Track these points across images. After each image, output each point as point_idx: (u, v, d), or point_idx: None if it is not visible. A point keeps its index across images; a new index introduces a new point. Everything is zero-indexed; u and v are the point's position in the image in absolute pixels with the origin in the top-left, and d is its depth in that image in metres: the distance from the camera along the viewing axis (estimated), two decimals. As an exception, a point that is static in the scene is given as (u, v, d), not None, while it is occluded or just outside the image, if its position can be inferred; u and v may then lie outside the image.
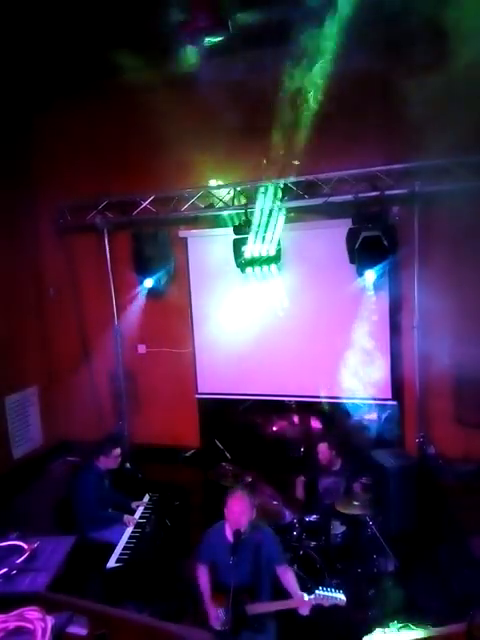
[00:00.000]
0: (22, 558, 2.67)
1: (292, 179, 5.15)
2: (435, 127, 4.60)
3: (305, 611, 3.46)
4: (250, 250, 5.16)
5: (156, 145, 5.59)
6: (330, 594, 3.53)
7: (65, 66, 5.01)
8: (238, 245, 5.18)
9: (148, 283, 5.70)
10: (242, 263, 5.22)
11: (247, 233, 5.11)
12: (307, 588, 3.68)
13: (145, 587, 4.33)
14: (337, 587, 3.65)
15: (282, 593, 3.64)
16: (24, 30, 4.20)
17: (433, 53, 4.62)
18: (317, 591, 3.49)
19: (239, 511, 3.55)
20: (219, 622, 3.49)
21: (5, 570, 2.54)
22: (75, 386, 6.47)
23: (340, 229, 5.03)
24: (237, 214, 5.40)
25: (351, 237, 4.87)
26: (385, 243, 4.74)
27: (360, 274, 5.03)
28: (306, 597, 3.47)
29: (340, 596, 3.49)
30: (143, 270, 5.64)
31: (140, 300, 6.03)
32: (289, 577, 3.67)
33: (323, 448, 5.21)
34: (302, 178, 5.13)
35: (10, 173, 5.86)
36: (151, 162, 5.67)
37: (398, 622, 3.04)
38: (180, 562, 4.73)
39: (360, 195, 4.93)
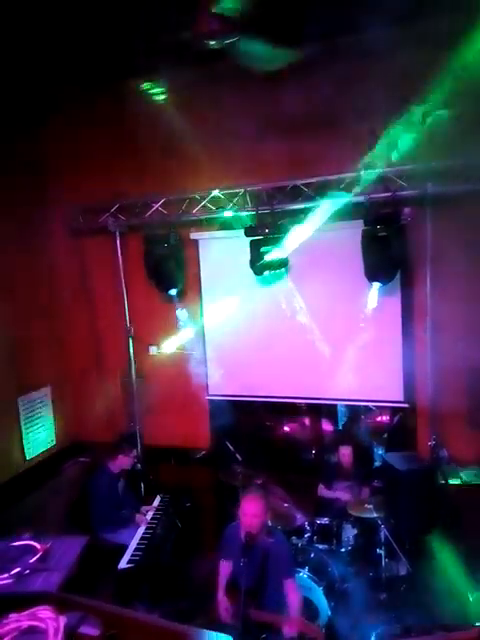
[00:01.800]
0: (35, 558, 2.70)
1: (303, 181, 5.14)
2: (449, 127, 4.59)
3: (291, 632, 3.43)
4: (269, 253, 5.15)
5: (168, 147, 5.62)
6: (314, 625, 3.56)
7: (77, 69, 5.05)
8: (256, 247, 5.13)
9: (167, 280, 5.67)
10: (260, 265, 5.19)
11: (259, 235, 5.11)
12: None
13: (156, 588, 4.34)
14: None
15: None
16: (37, 34, 4.24)
17: (446, 51, 4.61)
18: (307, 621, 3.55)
19: (252, 513, 3.53)
20: (228, 616, 3.53)
21: (18, 569, 2.56)
22: (87, 387, 6.53)
23: (351, 231, 5.01)
24: (249, 216, 5.40)
25: (363, 239, 4.84)
26: (397, 245, 4.71)
27: (372, 276, 4.99)
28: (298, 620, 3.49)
29: (320, 632, 3.54)
30: (155, 272, 5.65)
31: (152, 302, 6.06)
32: (293, 594, 3.63)
33: (347, 451, 5.18)
34: (313, 179, 5.12)
35: (24, 176, 5.93)
36: (163, 165, 5.70)
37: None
38: (191, 563, 4.74)
39: (372, 196, 4.90)
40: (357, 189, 4.99)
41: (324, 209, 5.19)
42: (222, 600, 3.63)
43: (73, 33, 4.28)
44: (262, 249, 5.10)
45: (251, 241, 5.11)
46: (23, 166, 5.93)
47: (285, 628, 3.42)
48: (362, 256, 4.90)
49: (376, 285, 5.04)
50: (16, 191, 5.79)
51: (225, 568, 3.78)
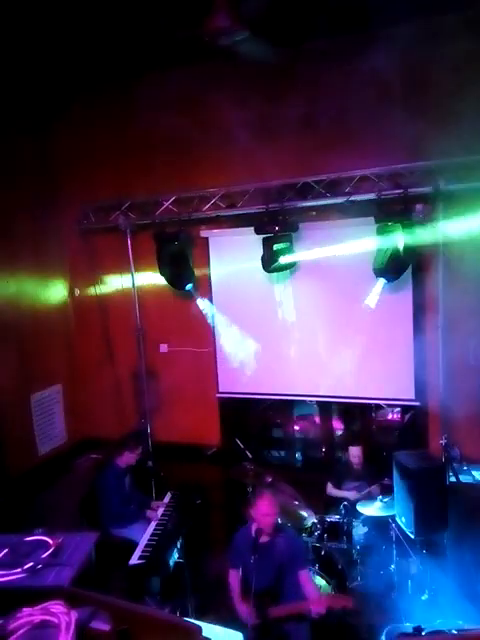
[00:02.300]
0: (47, 553, 2.72)
1: (314, 177, 5.12)
2: (460, 123, 4.54)
3: (319, 610, 3.44)
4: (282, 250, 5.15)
5: (178, 145, 5.63)
6: (341, 597, 3.56)
7: (87, 66, 5.07)
8: (269, 244, 5.12)
9: (177, 278, 5.70)
10: (272, 262, 5.18)
11: (270, 232, 5.10)
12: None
13: (166, 584, 4.36)
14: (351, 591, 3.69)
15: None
16: (46, 30, 4.25)
17: (460, 48, 4.57)
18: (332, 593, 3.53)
19: (265, 512, 3.58)
20: (248, 620, 3.49)
21: (31, 564, 2.59)
22: (98, 384, 6.56)
23: (362, 228, 4.98)
24: (259, 213, 5.39)
25: (374, 236, 4.81)
26: (408, 242, 4.68)
27: (383, 273, 4.96)
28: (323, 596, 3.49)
29: (348, 599, 3.52)
30: (165, 270, 5.67)
31: (162, 300, 6.08)
32: (309, 583, 3.66)
33: (357, 452, 5.16)
34: (324, 176, 5.10)
35: (35, 175, 5.97)
36: (173, 162, 5.71)
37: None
38: (201, 560, 4.76)
39: (383, 193, 4.87)
40: (368, 186, 4.97)
41: (334, 206, 5.18)
42: (242, 609, 3.55)
43: (82, 32, 4.29)
44: (275, 246, 5.10)
45: (263, 238, 5.11)
46: (34, 165, 5.97)
47: (313, 608, 3.44)
48: (376, 255, 4.87)
49: (381, 281, 5.00)
50: (27, 190, 5.83)
51: (234, 577, 3.75)
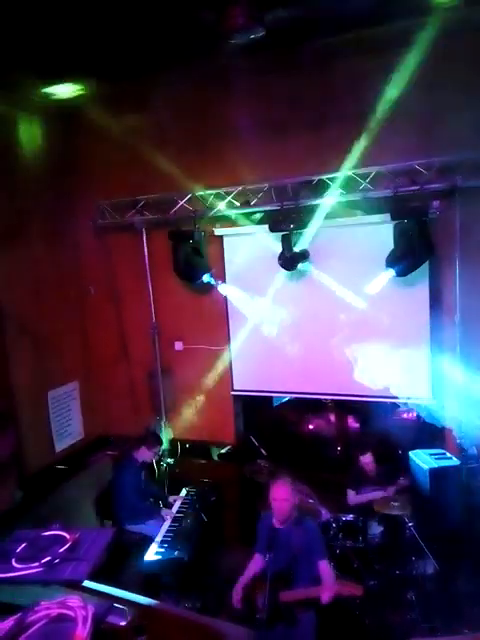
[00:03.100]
0: (64, 548, 2.74)
1: (328, 175, 5.09)
2: (478, 118, 4.48)
3: (327, 598, 3.47)
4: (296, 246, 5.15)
5: (193, 143, 5.64)
6: (350, 584, 3.57)
7: (101, 64, 5.08)
8: (287, 242, 5.12)
9: (193, 276, 5.70)
10: (290, 260, 5.17)
11: (285, 230, 5.09)
12: None
13: (182, 580, 4.40)
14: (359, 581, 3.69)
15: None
16: (62, 28, 4.26)
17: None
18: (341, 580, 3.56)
19: (281, 497, 3.70)
20: (240, 605, 3.58)
21: (48, 558, 2.62)
22: (114, 382, 6.62)
23: (378, 225, 4.94)
24: (274, 211, 5.38)
25: (390, 233, 4.77)
26: (425, 239, 4.63)
27: (399, 271, 4.91)
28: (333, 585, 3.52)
29: (358, 587, 3.53)
30: (180, 268, 5.69)
31: (177, 298, 6.11)
32: (326, 573, 3.68)
33: (368, 460, 5.11)
34: (339, 173, 5.06)
35: (51, 173, 6.02)
36: (188, 160, 5.72)
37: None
38: (216, 557, 4.78)
39: (399, 190, 4.83)
40: (384, 182, 4.93)
41: (349, 203, 5.15)
42: (238, 589, 3.72)
43: (99, 26, 4.28)
44: (293, 244, 5.09)
45: (283, 236, 5.10)
46: (50, 164, 6.02)
47: (323, 595, 3.46)
48: (390, 250, 4.83)
49: (389, 272, 4.94)
50: (44, 189, 5.89)
51: (257, 562, 3.86)
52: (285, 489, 3.75)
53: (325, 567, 3.71)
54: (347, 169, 5.01)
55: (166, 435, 6.24)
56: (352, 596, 3.60)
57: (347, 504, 5.13)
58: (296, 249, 5.17)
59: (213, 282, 5.75)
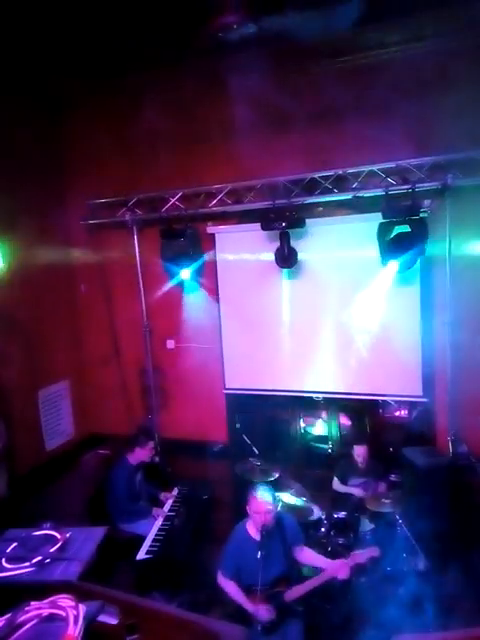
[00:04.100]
0: (55, 547, 2.73)
1: (321, 173, 5.10)
2: (468, 118, 4.51)
3: (345, 574, 3.43)
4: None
5: (185, 141, 5.62)
6: (364, 551, 3.54)
7: (94, 61, 5.05)
8: (286, 240, 5.12)
9: (184, 274, 5.69)
10: (288, 258, 5.18)
11: (276, 229, 5.09)
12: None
13: (173, 578, 4.39)
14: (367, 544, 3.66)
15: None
16: (52, 27, 4.24)
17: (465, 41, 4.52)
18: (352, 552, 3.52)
19: (264, 510, 3.52)
20: (267, 616, 3.45)
21: (39, 558, 2.61)
22: (105, 381, 6.59)
23: (369, 224, 4.95)
24: (266, 209, 5.37)
25: (382, 231, 4.79)
26: (416, 237, 4.65)
27: (390, 269, 4.94)
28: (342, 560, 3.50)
29: (373, 549, 3.50)
30: (172, 266, 5.68)
31: (169, 296, 6.09)
32: (310, 554, 3.65)
33: (362, 451, 5.15)
34: (331, 172, 5.07)
35: (41, 171, 5.98)
36: (180, 158, 5.70)
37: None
38: (207, 555, 4.78)
39: (391, 189, 4.84)
40: (375, 181, 4.95)
41: (341, 202, 5.16)
42: (255, 608, 3.45)
43: (87, 25, 4.26)
44: (291, 243, 5.10)
45: (281, 234, 5.10)
46: (41, 162, 5.98)
47: (338, 575, 3.44)
48: (379, 248, 4.85)
49: (394, 278, 4.99)
50: (34, 187, 5.84)
51: (230, 584, 3.63)
52: (266, 499, 3.56)
53: (309, 552, 3.69)
54: (339, 168, 5.03)
55: (157, 434, 6.23)
56: (373, 560, 3.56)
57: (332, 491, 5.20)
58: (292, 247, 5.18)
59: (186, 277, 5.74)
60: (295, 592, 3.48)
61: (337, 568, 3.47)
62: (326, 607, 3.96)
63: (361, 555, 3.53)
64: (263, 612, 3.43)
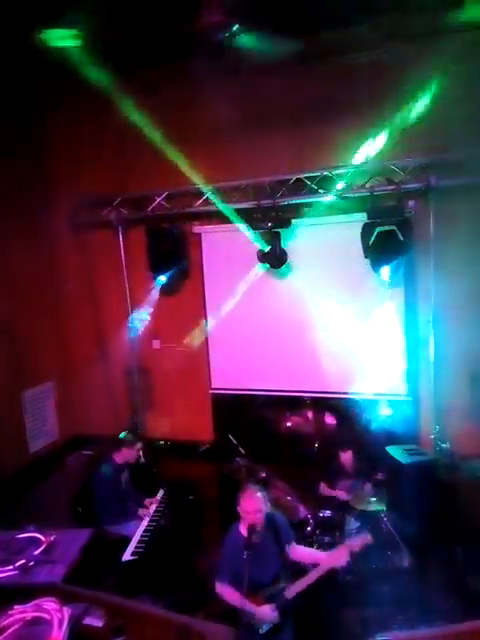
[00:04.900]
0: (39, 550, 2.71)
1: (306, 174, 5.12)
2: (451, 121, 4.56)
3: (343, 561, 3.45)
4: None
5: (170, 141, 5.59)
6: (355, 538, 3.55)
7: (78, 62, 5.01)
8: (277, 240, 5.16)
9: (170, 273, 5.69)
10: (276, 258, 5.21)
11: (262, 228, 5.11)
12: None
13: (160, 579, 4.36)
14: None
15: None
16: (37, 25, 4.20)
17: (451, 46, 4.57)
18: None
19: (255, 509, 3.48)
20: (272, 616, 3.41)
21: (23, 561, 2.58)
22: (90, 381, 6.54)
23: (355, 224, 4.99)
24: (252, 209, 5.38)
25: (366, 232, 4.83)
26: (400, 237, 4.70)
27: (375, 269, 4.98)
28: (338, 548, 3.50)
29: (365, 536, 3.53)
30: (158, 266, 5.66)
31: (155, 296, 6.06)
32: (303, 550, 3.67)
33: (348, 457, 5.14)
34: (317, 173, 5.10)
35: (26, 170, 5.91)
36: (165, 158, 5.67)
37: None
38: (194, 555, 4.77)
39: (376, 189, 4.88)
40: (360, 182, 4.98)
41: (327, 202, 5.19)
42: (259, 609, 3.37)
43: (77, 24, 4.23)
44: (282, 242, 5.12)
45: (272, 233, 5.11)
46: (25, 161, 5.92)
47: (336, 564, 3.45)
48: (364, 250, 4.89)
49: (379, 278, 5.03)
50: (18, 186, 5.78)
51: (228, 589, 3.51)
52: (256, 499, 3.48)
53: (302, 549, 3.71)
54: (324, 169, 5.05)
55: (143, 434, 6.19)
56: (366, 546, 3.58)
57: (319, 495, 5.22)
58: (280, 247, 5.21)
59: (164, 282, 5.77)
60: (296, 588, 3.47)
61: (335, 557, 3.48)
62: (314, 605, 3.98)
63: (355, 542, 3.55)
64: (268, 612, 3.42)
